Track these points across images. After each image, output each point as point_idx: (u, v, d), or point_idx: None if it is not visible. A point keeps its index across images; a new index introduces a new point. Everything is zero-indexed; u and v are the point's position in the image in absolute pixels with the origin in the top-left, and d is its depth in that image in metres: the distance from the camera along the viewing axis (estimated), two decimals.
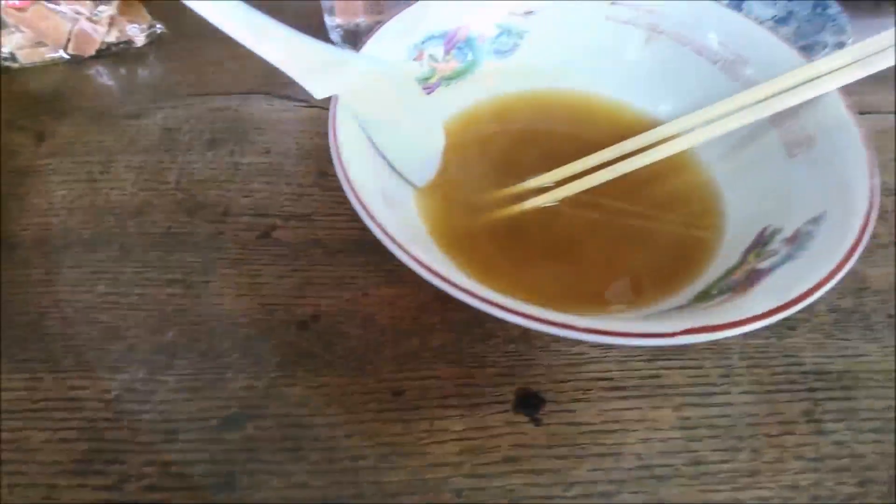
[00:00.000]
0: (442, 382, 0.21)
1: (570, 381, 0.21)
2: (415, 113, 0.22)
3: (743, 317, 0.12)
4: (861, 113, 0.31)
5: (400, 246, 0.14)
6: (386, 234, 0.14)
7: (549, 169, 0.23)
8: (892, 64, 0.19)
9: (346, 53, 0.19)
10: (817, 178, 0.18)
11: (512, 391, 0.21)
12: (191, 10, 0.17)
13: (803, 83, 0.20)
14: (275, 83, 0.32)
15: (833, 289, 0.23)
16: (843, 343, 0.22)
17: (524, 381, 0.21)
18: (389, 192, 0.19)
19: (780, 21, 0.34)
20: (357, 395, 0.20)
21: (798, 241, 0.16)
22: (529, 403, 0.20)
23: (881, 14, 0.39)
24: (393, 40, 0.22)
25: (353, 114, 0.18)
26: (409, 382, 0.21)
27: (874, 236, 0.25)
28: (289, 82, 0.20)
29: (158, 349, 0.21)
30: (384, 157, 0.20)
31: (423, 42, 0.23)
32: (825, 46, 0.29)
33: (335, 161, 0.17)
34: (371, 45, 0.21)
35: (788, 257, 0.16)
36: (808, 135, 0.19)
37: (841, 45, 0.29)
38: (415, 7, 0.23)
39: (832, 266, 0.13)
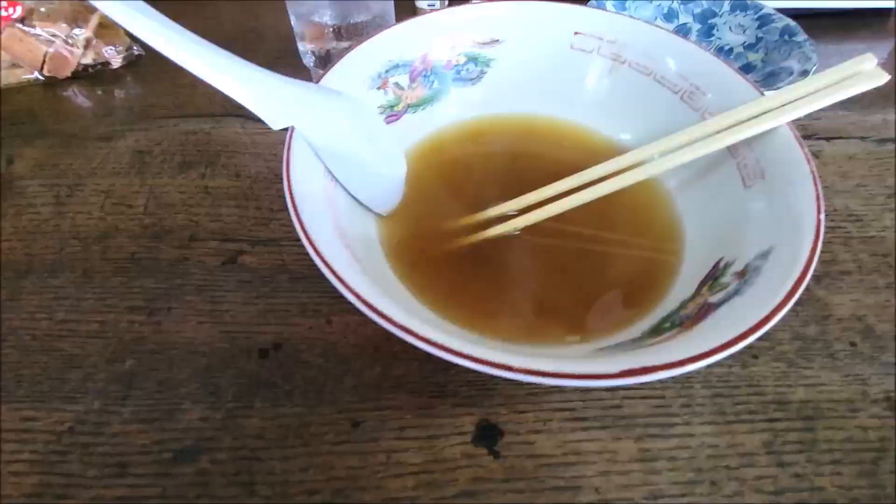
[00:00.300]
0: (402, 413, 0.20)
1: (530, 411, 0.21)
2: (373, 143, 0.22)
3: (679, 358, 0.12)
4: (829, 138, 0.32)
5: (335, 274, 0.14)
6: (329, 267, 0.14)
7: (515, 195, 0.23)
8: (845, 97, 0.19)
9: (303, 85, 0.19)
10: (769, 210, 0.18)
11: (472, 422, 0.20)
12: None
13: (761, 114, 0.20)
14: None
15: (797, 316, 0.24)
16: (804, 372, 0.22)
17: (484, 412, 0.21)
18: (347, 223, 0.19)
19: (749, 47, 0.34)
20: (314, 426, 0.20)
21: (747, 275, 0.16)
22: (489, 435, 0.20)
23: (848, 39, 0.40)
24: (356, 69, 0.22)
25: (310, 146, 0.19)
26: (368, 413, 0.20)
27: (838, 262, 0.26)
28: None
29: (115, 379, 0.21)
30: (343, 188, 0.20)
31: (387, 71, 0.23)
32: (791, 73, 0.30)
33: (287, 196, 0.17)
34: (334, 75, 0.21)
35: (736, 292, 0.16)
36: (761, 167, 0.19)
37: (806, 73, 0.29)
38: (379, 36, 0.23)
39: (769, 309, 0.13)
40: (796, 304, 0.24)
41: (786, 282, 0.14)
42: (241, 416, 0.20)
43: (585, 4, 0.34)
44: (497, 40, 0.25)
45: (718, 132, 0.21)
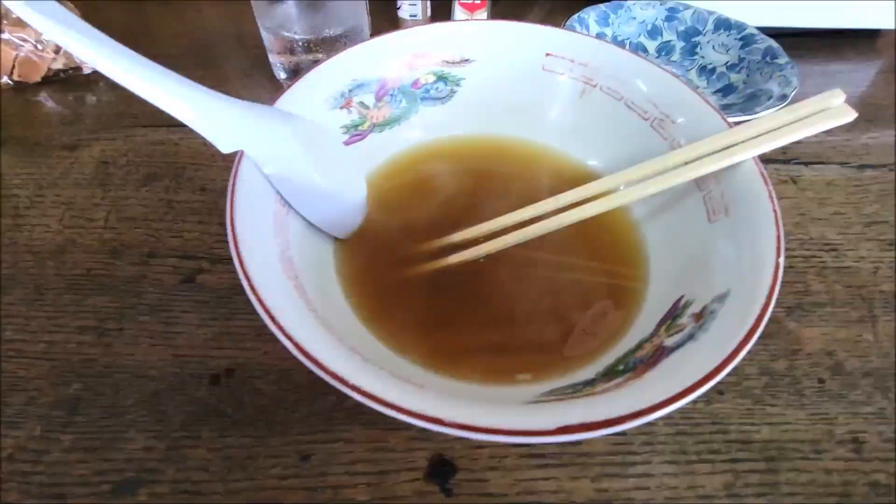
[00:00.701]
0: (353, 446, 0.20)
1: (486, 445, 0.20)
2: (330, 167, 0.21)
3: (620, 413, 0.12)
4: (808, 163, 0.32)
5: (268, 312, 0.13)
6: (263, 306, 0.14)
7: (480, 219, 0.22)
8: (812, 134, 0.19)
9: (253, 108, 0.18)
10: (730, 249, 0.17)
11: (425, 457, 0.20)
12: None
13: (728, 147, 0.19)
14: None
15: (766, 349, 0.23)
16: (770, 409, 0.21)
17: (438, 446, 0.20)
18: (298, 252, 0.18)
19: (731, 67, 0.34)
20: (262, 458, 0.19)
21: (702, 319, 0.16)
22: (441, 471, 0.19)
23: (834, 60, 0.39)
24: (318, 88, 0.22)
25: (260, 170, 0.18)
26: (318, 445, 0.20)
27: (811, 293, 0.25)
28: None
29: (59, 403, 0.20)
30: (298, 213, 0.19)
31: (350, 90, 0.22)
32: (770, 97, 0.29)
33: (228, 229, 0.16)
34: (293, 94, 0.21)
35: (690, 337, 0.15)
36: (725, 202, 0.19)
37: (785, 97, 0.29)
38: (343, 54, 0.22)
39: (718, 362, 0.13)
40: (766, 337, 0.23)
41: (738, 333, 0.13)
42: (186, 446, 0.20)
43: (566, 22, 0.34)
44: (468, 59, 0.24)
45: (686, 163, 0.20)
